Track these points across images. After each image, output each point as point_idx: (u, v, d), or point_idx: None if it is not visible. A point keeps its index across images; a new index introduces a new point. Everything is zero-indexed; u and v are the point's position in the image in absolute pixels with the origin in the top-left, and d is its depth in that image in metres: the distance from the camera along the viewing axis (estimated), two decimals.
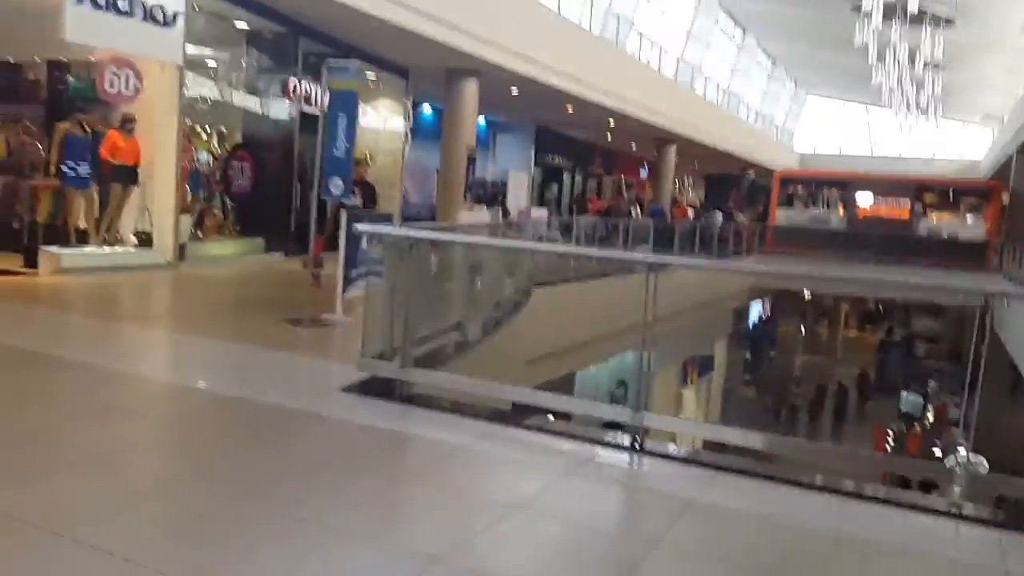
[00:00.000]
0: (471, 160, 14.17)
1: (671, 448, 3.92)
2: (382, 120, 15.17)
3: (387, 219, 7.06)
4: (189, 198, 10.64)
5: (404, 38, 11.87)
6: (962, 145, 39.82)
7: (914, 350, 30.64)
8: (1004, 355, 20.62)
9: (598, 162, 28.01)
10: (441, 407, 4.38)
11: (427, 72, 14.51)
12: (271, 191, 11.96)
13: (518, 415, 4.54)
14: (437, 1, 11.77)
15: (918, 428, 21.60)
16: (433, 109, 19.04)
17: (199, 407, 4.31)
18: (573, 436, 3.99)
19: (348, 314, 6.28)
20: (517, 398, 4.60)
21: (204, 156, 11.19)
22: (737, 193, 36.93)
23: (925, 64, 22.81)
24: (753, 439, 3.80)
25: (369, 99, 14.82)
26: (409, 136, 15.15)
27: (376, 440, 3.91)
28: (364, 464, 3.53)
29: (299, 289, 7.53)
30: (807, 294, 29.42)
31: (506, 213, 15.96)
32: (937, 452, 19.85)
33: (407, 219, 15.66)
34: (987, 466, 3.40)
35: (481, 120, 20.52)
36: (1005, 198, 20.45)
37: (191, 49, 10.11)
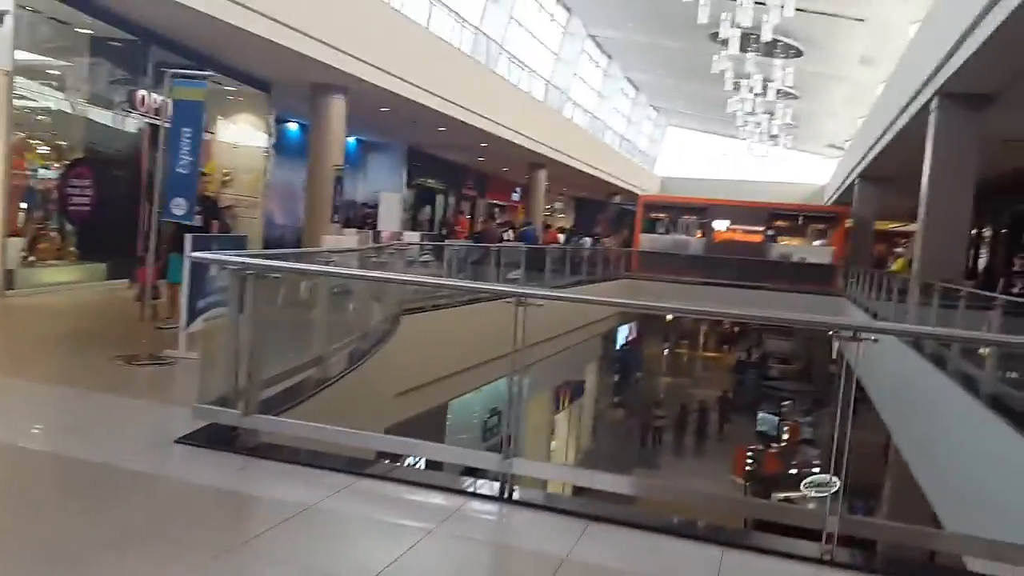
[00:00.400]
0: (339, 180, 13.61)
1: (540, 497, 3.66)
2: (242, 136, 14.37)
3: (239, 242, 6.48)
4: (23, 218, 9.56)
5: (265, 50, 11.23)
6: (808, 171, 42.77)
7: (768, 371, 32.27)
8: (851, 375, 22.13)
9: (471, 184, 27.92)
10: (291, 458, 3.94)
11: (291, 87, 13.88)
12: (116, 211, 10.91)
13: (380, 463, 4.17)
14: (300, 12, 11.24)
15: (775, 448, 22.66)
16: (300, 126, 18.31)
17: (5, 465, 3.68)
18: (439, 487, 3.67)
19: (193, 350, 5.68)
20: (376, 446, 4.22)
21: (41, 171, 10.10)
22: (604, 217, 38.06)
23: (777, 92, 24.27)
24: (624, 484, 3.61)
25: (228, 113, 14.02)
26: (272, 153, 14.40)
27: (211, 502, 3.43)
28: (194, 534, 3.05)
29: (140, 322, 6.84)
30: (669, 317, 30.50)
31: (377, 236, 15.51)
32: (793, 471, 20.91)
33: (271, 242, 14.87)
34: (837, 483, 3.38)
35: (352, 139, 19.95)
36: (849, 223, 21.92)
37: (25, 55, 9.14)
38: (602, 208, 38.03)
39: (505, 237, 15.73)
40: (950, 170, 10.48)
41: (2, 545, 2.84)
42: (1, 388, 5.17)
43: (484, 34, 19.45)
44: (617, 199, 36.00)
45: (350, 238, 10.81)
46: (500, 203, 31.85)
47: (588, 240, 19.62)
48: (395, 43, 14.17)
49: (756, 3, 17.06)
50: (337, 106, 13.88)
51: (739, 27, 17.39)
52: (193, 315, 5.61)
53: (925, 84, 11.04)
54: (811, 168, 42.96)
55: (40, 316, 8.34)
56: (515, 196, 32.47)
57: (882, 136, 16.34)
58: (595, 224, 35.79)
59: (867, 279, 16.53)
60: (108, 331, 7.44)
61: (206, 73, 6.58)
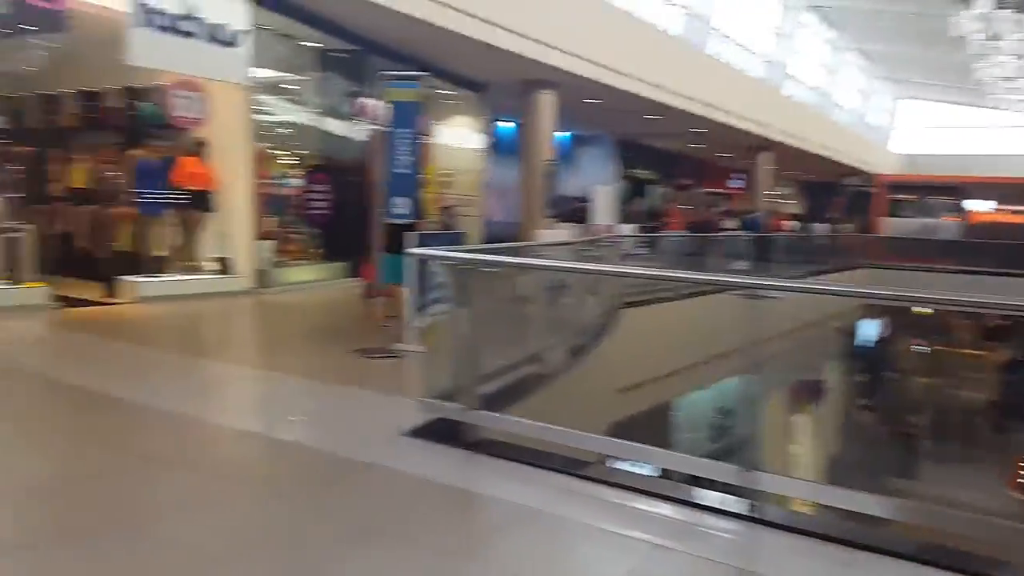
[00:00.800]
0: (551, 174, 13.61)
1: (793, 518, 3.19)
2: (460, 138, 14.83)
3: (456, 239, 6.53)
4: (270, 223, 10.48)
5: (480, 52, 11.50)
6: None
7: None
8: None
9: (685, 172, 26.99)
10: (512, 456, 3.79)
11: (504, 86, 14.10)
12: (351, 214, 11.71)
13: (602, 465, 3.91)
14: (512, 13, 11.37)
15: None
16: (514, 124, 18.62)
17: (250, 455, 3.92)
18: (670, 498, 3.32)
19: (420, 344, 5.82)
20: (598, 448, 3.96)
21: (286, 180, 11.04)
22: (839, 201, 35.06)
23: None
24: (896, 508, 3.05)
25: (445, 116, 14.52)
26: (488, 152, 14.73)
27: (434, 499, 3.35)
28: (415, 531, 2.97)
29: (368, 319, 7.19)
30: (920, 309, 27.37)
31: (589, 229, 15.36)
32: None
33: (490, 238, 15.23)
34: None
35: (565, 134, 20.00)
36: None
37: (262, 71, 9.98)
38: (835, 191, 35.15)
39: (726, 226, 14.89)
40: None
41: (249, 532, 2.93)
42: (253, 380, 5.62)
43: (694, 15, 18.59)
44: (853, 180, 33.11)
45: (563, 232, 10.70)
46: (718, 191, 30.53)
47: (822, 227, 18.06)
48: (602, 33, 13.92)
49: None
50: (547, 101, 13.91)
51: None
52: (420, 310, 5.72)
53: None
54: None
55: (289, 312, 9.06)
56: (734, 183, 30.95)
57: None
58: (828, 208, 33.10)
59: None
60: (347, 326, 7.90)
61: (418, 73, 6.68)
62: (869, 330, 26.14)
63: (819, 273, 16.97)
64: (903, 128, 41.00)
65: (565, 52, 12.46)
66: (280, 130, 11.31)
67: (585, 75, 13.10)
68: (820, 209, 31.01)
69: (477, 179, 14.61)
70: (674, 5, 17.55)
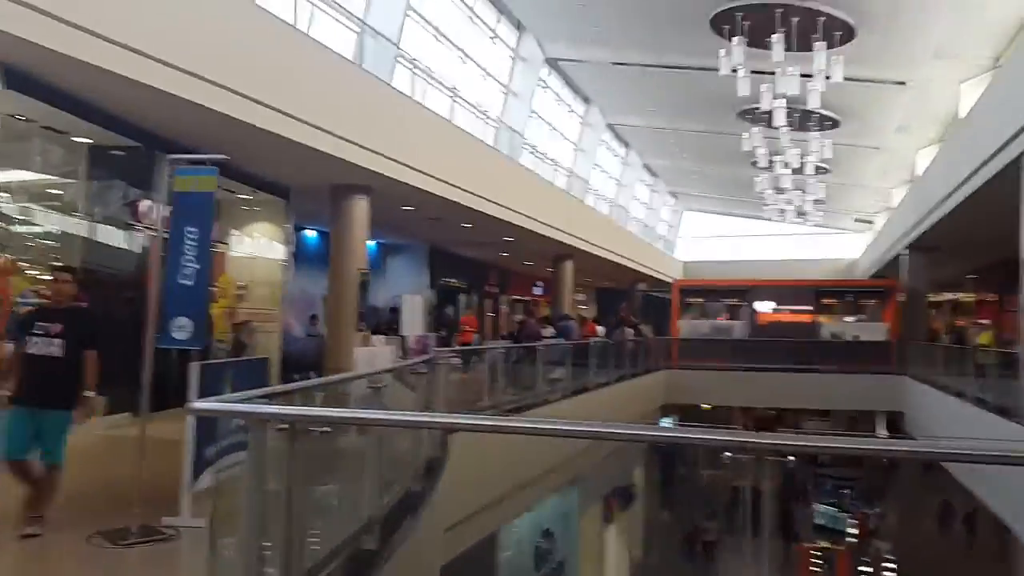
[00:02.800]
0: (364, 284, 12.60)
1: None
2: (260, 247, 13.46)
3: (257, 370, 5.30)
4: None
5: (283, 151, 10.43)
6: (832, 247, 41.67)
7: (817, 456, 30.13)
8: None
9: (493, 281, 27.01)
10: None
11: (311, 190, 13.08)
12: (118, 338, 9.90)
13: None
14: (320, 109, 10.49)
15: (843, 545, 20.66)
16: (319, 233, 17.52)
17: None
18: None
19: (200, 515, 4.40)
20: None
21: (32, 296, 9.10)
22: (628, 306, 36.86)
23: (810, 168, 23.43)
24: None
25: (243, 224, 13.18)
26: (291, 262, 13.45)
27: None
28: None
29: (140, 468, 5.55)
30: (707, 405, 28.89)
31: (403, 342, 14.39)
32: (865, 568, 18.88)
33: (291, 357, 13.75)
34: None
35: (372, 243, 19.14)
36: (901, 297, 20.62)
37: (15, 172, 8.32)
38: (624, 297, 36.94)
39: (545, 334, 14.54)
40: None
41: None
42: None
43: (508, 127, 18.88)
44: (642, 287, 34.95)
45: (381, 348, 9.68)
46: (523, 298, 30.88)
47: (630, 331, 18.39)
48: (419, 137, 13.45)
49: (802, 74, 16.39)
50: (360, 207, 13.04)
51: (782, 96, 16.58)
52: (200, 468, 4.37)
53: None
54: (835, 244, 41.92)
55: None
56: (537, 290, 31.52)
57: (946, 200, 15.21)
58: (618, 312, 34.56)
59: (942, 356, 15.13)
60: (92, 493, 5.95)
61: (215, 157, 5.48)
62: (665, 425, 27.01)
63: (630, 376, 17.10)
64: (687, 236, 44.53)
65: (381, 155, 11.73)
66: (38, 240, 9.47)
67: (400, 179, 12.39)
68: (611, 313, 32.28)
69: (278, 292, 13.22)
70: (487, 117, 17.61)
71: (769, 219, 34.88)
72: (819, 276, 32.18)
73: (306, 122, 10.02)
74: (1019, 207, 10.07)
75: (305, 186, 12.96)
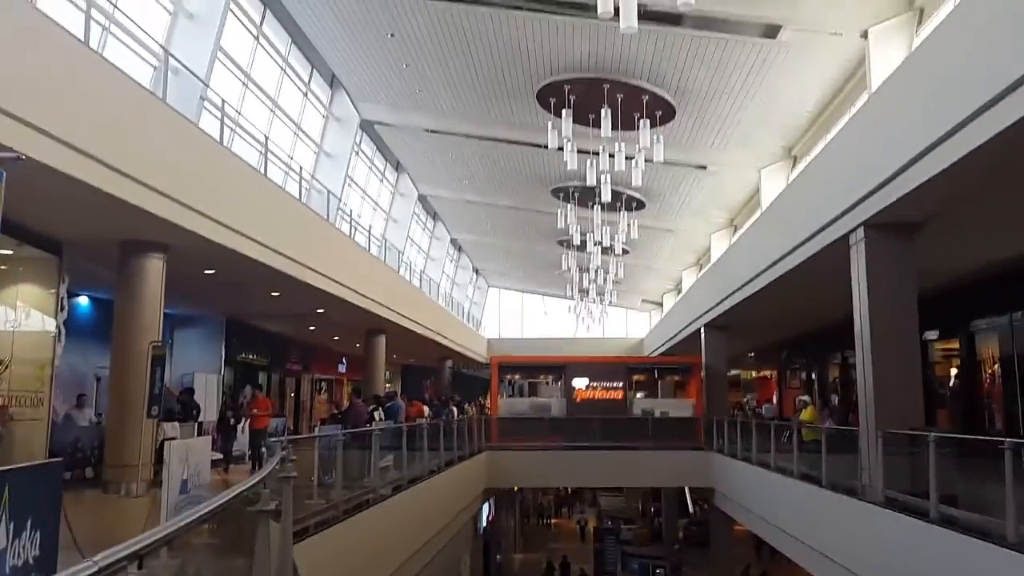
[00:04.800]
0: (158, 360, 10.44)
1: None
2: (22, 315, 10.80)
3: (48, 478, 3.59)
4: None
5: (59, 191, 8.33)
6: (621, 326, 43.73)
7: (622, 535, 30.49)
8: (729, 530, 20.87)
9: (295, 358, 24.80)
10: None
11: (91, 246, 10.83)
12: None
13: None
14: (113, 142, 8.59)
15: None
16: (93, 300, 14.83)
17: None
18: None
19: None
20: None
21: None
22: (434, 383, 35.87)
23: (613, 249, 24.09)
24: None
25: (2, 285, 10.56)
26: (62, 334, 10.93)
27: None
28: None
29: None
30: (516, 488, 28.35)
31: (200, 429, 12.27)
32: None
33: (61, 447, 11.10)
34: None
35: None
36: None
37: None
38: (430, 374, 35.92)
39: (376, 416, 13.02)
40: (891, 304, 9.66)
41: None
42: None
43: (322, 188, 17.43)
44: (449, 363, 34.13)
45: (196, 440, 7.71)
46: (326, 377, 28.78)
47: (455, 410, 17.31)
48: (228, 189, 11.72)
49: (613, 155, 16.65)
50: (154, 268, 10.97)
51: (606, 173, 16.73)
52: None
53: (838, 217, 10.43)
54: (622, 323, 44.06)
55: None
56: (341, 368, 29.57)
57: (749, 282, 15.97)
58: (423, 390, 33.45)
59: (759, 431, 15.56)
60: None
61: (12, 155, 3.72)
62: (485, 512, 25.98)
63: (458, 460, 15.96)
64: (489, 314, 44.61)
65: (184, 205, 9.88)
66: None
67: (206, 236, 10.55)
68: (417, 390, 31.12)
69: (46, 370, 10.62)
70: (300, 176, 16.08)
71: (570, 298, 35.71)
72: (611, 353, 33.22)
73: (87, 154, 8.01)
74: (841, 284, 10.44)
75: (83, 240, 10.69)
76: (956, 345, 14.92)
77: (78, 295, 14.18)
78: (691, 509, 32.10)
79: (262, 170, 13.77)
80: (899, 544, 8.03)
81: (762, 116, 16.62)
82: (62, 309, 10.72)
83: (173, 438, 10.47)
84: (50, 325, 10.64)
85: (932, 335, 14.98)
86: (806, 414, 13.33)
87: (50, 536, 3.17)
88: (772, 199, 16.67)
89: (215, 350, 18.56)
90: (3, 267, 10.31)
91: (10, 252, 10.10)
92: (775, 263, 13.87)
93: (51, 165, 7.50)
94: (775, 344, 26.70)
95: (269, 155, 14.65)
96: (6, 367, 9.73)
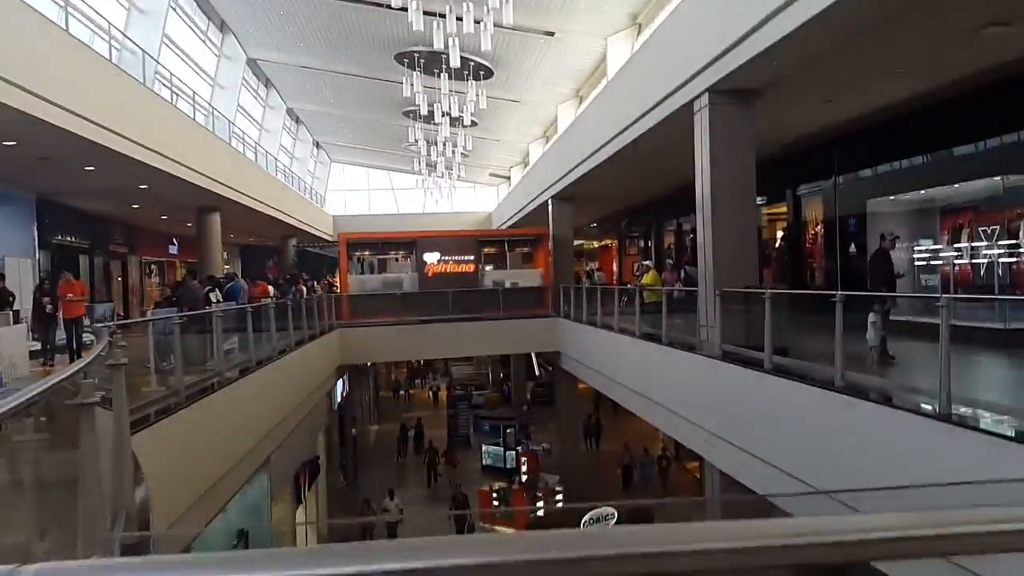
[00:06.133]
0: None
1: None
2: None
3: None
4: None
5: None
6: (469, 201, 43.70)
7: (473, 400, 31.57)
8: (574, 390, 22.04)
9: (119, 240, 22.82)
10: None
11: None
12: None
13: None
14: None
15: (516, 483, 21.67)
16: None
17: None
18: None
19: None
20: None
21: None
22: (277, 263, 34.49)
23: (459, 121, 23.49)
24: None
25: None
26: None
27: None
28: None
29: None
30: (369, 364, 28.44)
31: (17, 317, 11.07)
32: (540, 503, 20.01)
33: None
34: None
35: None
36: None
37: None
38: (273, 253, 34.49)
39: (212, 297, 12.22)
40: (731, 170, 9.98)
41: None
42: None
43: (134, 46, 15.44)
44: (294, 242, 32.83)
45: (14, 331, 6.78)
46: (156, 259, 26.85)
47: (303, 289, 16.61)
48: (17, 39, 10.05)
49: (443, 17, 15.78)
50: None
51: (453, 36, 15.91)
52: None
53: (684, 84, 10.50)
54: (471, 199, 44.01)
55: None
56: (172, 249, 27.67)
57: (595, 152, 16.08)
58: (266, 270, 32.12)
59: (604, 296, 16.17)
60: None
61: None
62: (340, 386, 25.91)
63: (308, 339, 15.52)
64: (333, 190, 42.99)
65: None
66: None
67: None
68: (259, 272, 29.82)
69: None
70: (108, 35, 14.12)
71: (418, 172, 34.95)
72: (461, 228, 33.21)
73: None
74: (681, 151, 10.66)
75: None
76: (783, 209, 15.92)
77: None
78: (537, 372, 33.62)
79: (62, 24, 11.93)
80: (736, 392, 8.64)
81: None
82: None
83: None
84: None
85: (760, 200, 15.89)
86: (648, 278, 13.88)
87: None
88: (617, 68, 16.61)
89: (26, 232, 16.62)
90: None
91: None
92: (621, 132, 13.96)
93: None
94: (616, 214, 27.61)
95: (71, 9, 12.69)
96: None
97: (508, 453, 24.33)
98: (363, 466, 25.55)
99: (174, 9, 18.70)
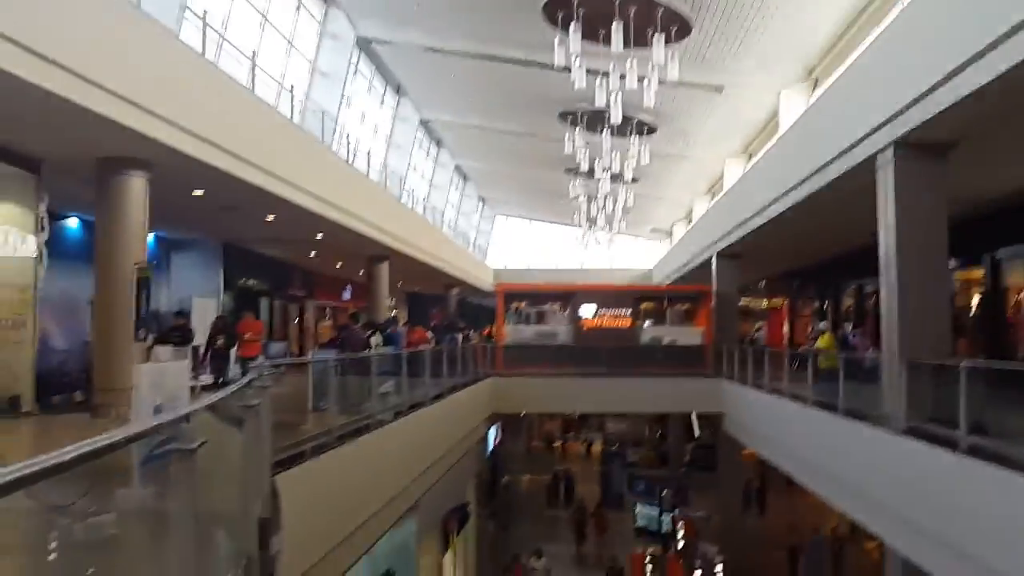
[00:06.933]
0: (144, 282, 9.99)
1: None
2: (0, 237, 10.29)
3: None
4: None
5: (31, 104, 7.78)
6: (629, 256, 43.09)
7: (628, 457, 30.67)
8: (736, 455, 20.76)
9: (297, 284, 24.41)
10: None
11: (71, 164, 10.23)
12: None
13: None
14: (87, 51, 7.97)
15: (672, 550, 20.61)
16: (82, 222, 14.30)
17: None
18: None
19: None
20: None
21: None
22: (440, 311, 35.52)
23: (623, 175, 23.33)
24: None
25: None
26: (44, 256, 10.43)
27: None
28: None
29: None
30: (522, 413, 28.35)
31: (195, 353, 11.89)
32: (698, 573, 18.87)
33: (47, 372, 10.77)
34: None
35: (151, 236, 16.07)
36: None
37: None
38: (437, 302, 35.59)
39: (373, 342, 12.61)
40: (921, 228, 9.03)
41: None
42: None
43: (317, 108, 16.65)
44: (455, 292, 33.75)
45: (172, 364, 7.32)
46: (331, 303, 28.46)
47: (460, 337, 16.97)
48: (211, 103, 11.03)
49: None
50: (135, 187, 10.38)
51: (617, 92, 15.86)
52: None
53: (866, 136, 9.71)
54: (630, 254, 43.38)
55: None
56: (346, 295, 29.22)
57: (766, 208, 15.29)
58: (430, 317, 33.08)
59: (772, 360, 15.18)
60: None
61: None
62: (492, 435, 26.02)
63: (462, 386, 15.66)
64: (495, 243, 44.08)
65: (163, 119, 9.26)
66: None
67: (188, 152, 9.95)
68: (423, 319, 30.71)
69: (28, 294, 10.18)
70: (292, 96, 15.31)
71: (577, 226, 35.04)
72: (619, 283, 32.76)
73: (60, 65, 7.47)
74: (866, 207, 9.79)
75: (63, 158, 10.10)
76: (979, 274, 14.33)
77: (66, 217, 13.68)
78: (696, 433, 32.18)
79: (251, 87, 13.03)
80: (925, 472, 7.66)
81: (782, 35, 15.67)
82: (42, 230, 10.20)
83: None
84: (30, 247, 10.14)
85: (952, 263, 14.42)
86: (823, 341, 12.86)
87: None
88: (792, 121, 15.83)
89: (213, 275, 18.14)
90: None
91: None
92: (794, 187, 13.19)
93: (16, 74, 6.91)
94: (787, 273, 26.15)
95: (259, 73, 13.86)
96: None
97: (663, 516, 23.26)
98: (513, 515, 25.32)
99: (355, 73, 20.02)
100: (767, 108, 19.53)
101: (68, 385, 10.70)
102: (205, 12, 11.72)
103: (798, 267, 24.65)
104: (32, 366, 10.04)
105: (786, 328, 27.74)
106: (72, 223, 14.16)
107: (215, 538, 3.73)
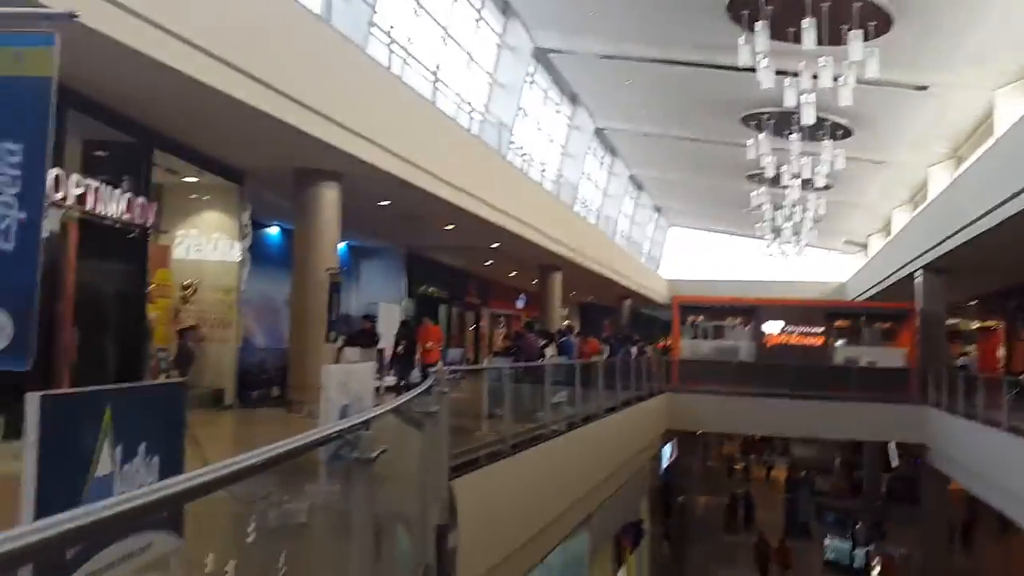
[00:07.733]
0: (335, 287, 10.52)
1: None
2: (210, 241, 11.25)
3: (170, 401, 3.17)
4: None
5: (235, 119, 8.39)
6: (818, 269, 40.16)
7: (815, 486, 28.58)
8: (943, 489, 18.71)
9: (473, 292, 25.00)
10: None
11: (270, 175, 10.99)
12: None
13: None
14: (286, 69, 8.49)
15: None
16: (281, 229, 15.40)
17: None
18: None
19: None
20: None
21: None
22: (613, 322, 35.09)
23: (813, 182, 21.84)
24: None
25: (188, 211, 11.03)
26: (247, 260, 11.28)
27: None
28: None
29: None
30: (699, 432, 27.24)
31: (380, 356, 12.34)
32: None
33: (249, 368, 11.62)
34: None
35: (342, 244, 17.03)
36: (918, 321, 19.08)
37: None
38: (609, 313, 35.18)
39: (547, 352, 12.55)
40: None
41: None
42: None
43: (495, 120, 16.94)
44: (628, 303, 33.21)
45: (358, 366, 7.59)
46: (505, 312, 28.91)
47: (634, 349, 16.60)
48: (399, 118, 11.46)
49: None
50: (329, 197, 10.97)
51: (809, 92, 14.85)
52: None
53: None
54: (820, 266, 40.44)
55: None
56: (519, 303, 29.57)
57: (981, 218, 13.69)
58: (603, 328, 32.77)
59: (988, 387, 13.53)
60: None
61: (57, 11, 3.25)
62: (666, 454, 25.22)
63: (636, 400, 15.25)
64: (669, 254, 42.96)
65: (355, 134, 9.70)
66: None
67: (378, 165, 10.38)
68: (596, 329, 30.41)
69: (232, 295, 11.04)
70: (472, 108, 15.67)
71: (761, 237, 33.32)
72: (807, 297, 30.76)
73: (262, 81, 7.97)
74: None
75: (263, 169, 10.88)
76: None
77: (267, 225, 14.75)
78: (894, 463, 29.44)
79: (432, 100, 13.46)
80: None
81: (1001, 27, 13.95)
82: (245, 236, 11.02)
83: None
84: (235, 252, 10.98)
85: None
86: None
87: (171, 459, 2.77)
88: (1011, 123, 14.05)
89: (397, 282, 18.93)
90: (190, 193, 10.71)
91: (196, 179, 10.46)
92: (1016, 195, 11.71)
93: (216, 87, 7.44)
94: (1003, 291, 23.36)
95: (440, 86, 14.29)
96: (195, 290, 10.17)
97: (856, 551, 21.46)
98: (688, 537, 24.36)
99: (531, 84, 20.20)
100: (979, 109, 17.55)
101: (266, 381, 11.47)
102: (391, 27, 12.20)
103: (1016, 284, 21.93)
104: (235, 363, 10.85)
105: (1001, 352, 24.80)
106: (273, 231, 15.28)
107: (394, 539, 3.69)
